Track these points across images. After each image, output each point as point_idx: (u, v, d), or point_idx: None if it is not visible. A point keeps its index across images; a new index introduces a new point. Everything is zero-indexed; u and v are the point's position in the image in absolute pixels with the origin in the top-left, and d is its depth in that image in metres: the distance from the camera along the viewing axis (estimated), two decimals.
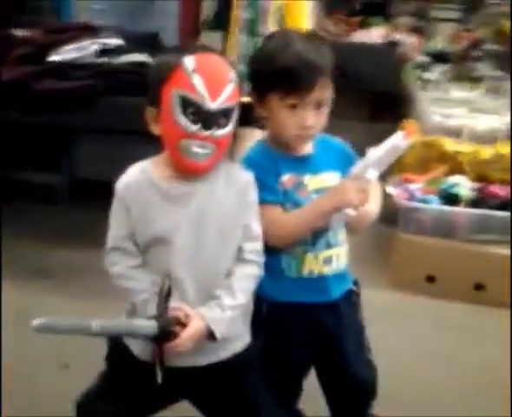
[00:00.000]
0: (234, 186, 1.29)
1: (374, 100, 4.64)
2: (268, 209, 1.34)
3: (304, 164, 1.40)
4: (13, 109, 2.65)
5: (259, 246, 1.31)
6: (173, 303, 1.23)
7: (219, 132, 1.22)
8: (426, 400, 2.05)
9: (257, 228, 1.31)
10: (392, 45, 5.10)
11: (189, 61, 1.20)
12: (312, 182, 1.39)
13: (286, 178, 1.37)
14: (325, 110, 1.35)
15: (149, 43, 3.07)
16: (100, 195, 3.44)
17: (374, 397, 1.56)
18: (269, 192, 1.34)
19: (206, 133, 1.20)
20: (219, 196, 1.27)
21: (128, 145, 3.15)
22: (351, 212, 1.31)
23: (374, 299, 2.56)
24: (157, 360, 1.20)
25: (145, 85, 2.67)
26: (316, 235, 1.38)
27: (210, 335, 1.24)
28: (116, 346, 1.34)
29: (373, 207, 1.41)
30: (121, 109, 2.70)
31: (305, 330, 1.41)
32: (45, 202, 3.45)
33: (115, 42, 2.83)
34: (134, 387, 1.31)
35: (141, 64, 2.76)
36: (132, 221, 1.28)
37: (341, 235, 1.43)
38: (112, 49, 2.81)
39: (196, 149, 1.21)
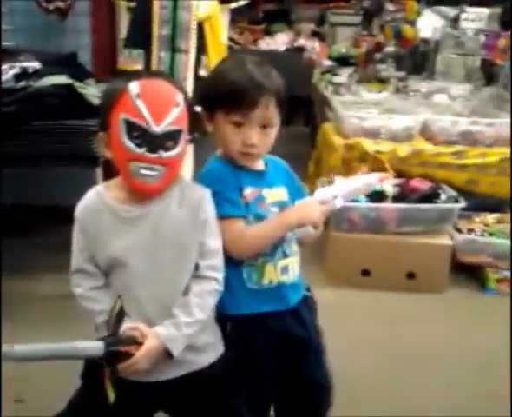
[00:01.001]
0: (188, 204, 1.32)
1: (287, 105, 4.78)
2: (231, 224, 1.37)
3: (261, 178, 1.45)
4: None
5: (215, 261, 1.34)
6: (130, 323, 1.25)
7: (167, 154, 1.25)
8: (371, 389, 2.16)
9: (213, 244, 1.34)
10: (299, 50, 5.29)
11: (134, 86, 1.23)
12: (270, 195, 1.45)
13: (249, 191, 1.41)
14: (271, 132, 1.39)
15: (67, 63, 2.99)
16: (22, 220, 3.38)
17: (330, 404, 1.60)
18: (231, 206, 1.38)
19: (153, 156, 1.23)
20: (173, 215, 1.30)
21: (55, 169, 3.07)
22: (311, 230, 1.40)
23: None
24: (107, 380, 1.21)
25: (69, 107, 2.61)
26: (274, 246, 1.43)
27: (167, 353, 1.26)
28: (93, 363, 1.31)
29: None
30: (46, 134, 2.63)
31: (271, 339, 1.45)
32: None
33: (33, 65, 2.73)
34: (112, 403, 1.29)
35: (65, 86, 2.69)
36: (90, 243, 1.31)
37: (294, 246, 1.49)
38: (31, 73, 2.71)
39: (145, 171, 1.24)
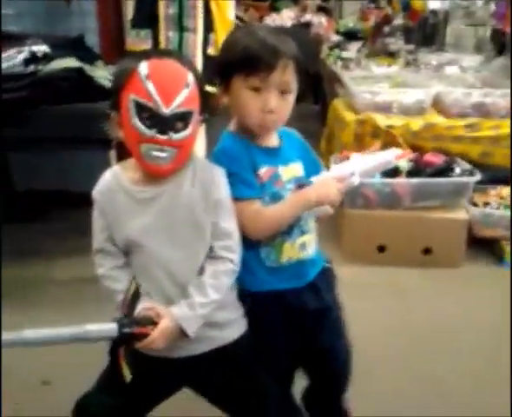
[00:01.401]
0: (200, 183, 1.31)
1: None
2: (247, 205, 1.36)
3: (276, 156, 1.43)
4: None
5: (230, 242, 1.33)
6: (146, 303, 1.27)
7: (178, 136, 1.23)
8: (388, 364, 2.16)
9: (227, 225, 1.33)
10: (306, 26, 5.22)
11: (143, 67, 1.22)
12: (285, 172, 1.43)
13: (264, 171, 1.39)
14: (290, 98, 1.37)
15: (75, 46, 2.97)
16: (36, 206, 3.41)
17: (348, 380, 1.62)
18: (247, 187, 1.36)
19: (164, 137, 1.22)
20: (186, 195, 1.29)
21: (68, 153, 3.07)
22: (328, 208, 1.38)
23: None
24: (122, 360, 1.23)
25: (80, 90, 2.59)
26: (291, 224, 1.42)
27: (183, 333, 1.27)
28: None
29: None
30: (57, 118, 2.61)
31: (289, 316, 1.45)
32: None
33: (42, 48, 2.70)
34: (137, 379, 1.31)
35: (74, 69, 2.66)
36: (108, 224, 1.32)
37: (311, 223, 1.48)
38: (40, 57, 2.68)
39: (156, 153, 1.23)
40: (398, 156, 1.42)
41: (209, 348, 1.34)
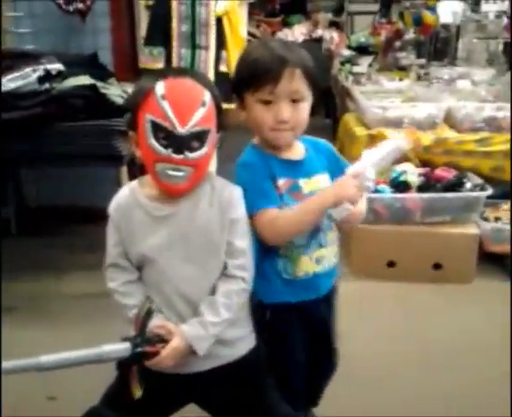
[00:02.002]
0: (218, 203, 1.32)
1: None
2: (264, 214, 1.36)
3: (297, 168, 1.44)
4: None
5: (243, 260, 1.34)
6: (158, 320, 1.28)
7: (193, 155, 1.25)
8: (398, 380, 2.15)
9: (241, 244, 1.34)
10: (317, 41, 5.26)
11: (160, 87, 1.24)
12: (307, 184, 1.44)
13: (282, 182, 1.40)
14: (302, 106, 1.37)
15: (88, 64, 3.02)
16: (48, 222, 3.45)
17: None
18: (266, 199, 1.37)
19: (179, 157, 1.24)
20: (203, 214, 1.31)
21: (80, 170, 3.11)
22: (350, 206, 1.35)
23: (340, 289, 2.67)
24: (133, 378, 1.24)
25: (93, 107, 2.63)
26: (309, 237, 1.43)
27: (193, 351, 1.28)
28: None
29: (363, 206, 1.48)
30: (71, 135, 2.65)
31: (303, 327, 1.47)
32: None
33: (57, 66, 2.75)
34: (144, 394, 1.31)
35: (88, 87, 2.71)
36: (123, 239, 1.33)
37: (330, 236, 1.48)
38: (54, 75, 2.73)
39: (171, 172, 1.24)
40: (408, 142, 1.39)
41: (217, 364, 1.35)
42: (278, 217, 1.36)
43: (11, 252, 3.18)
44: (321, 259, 1.45)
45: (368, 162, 1.35)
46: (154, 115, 1.23)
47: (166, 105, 1.22)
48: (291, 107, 1.35)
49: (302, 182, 1.43)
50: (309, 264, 1.43)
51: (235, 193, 1.34)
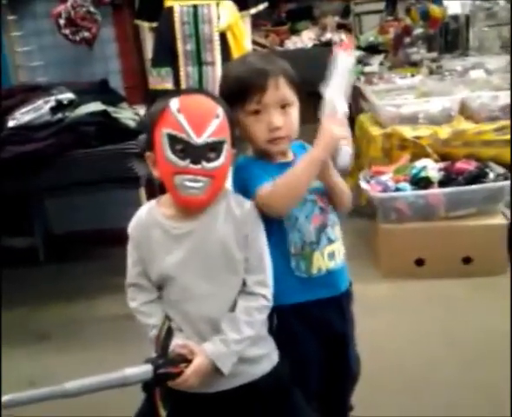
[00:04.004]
0: (233, 219, 1.32)
1: (319, 101, 4.75)
2: (264, 187, 1.34)
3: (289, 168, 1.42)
4: None
5: (262, 276, 1.33)
6: (179, 340, 1.28)
7: (210, 165, 1.26)
8: (431, 377, 2.12)
9: (258, 260, 1.33)
10: (327, 45, 5.22)
11: (174, 102, 1.27)
12: None
13: None
14: (292, 110, 1.38)
15: (100, 90, 3.04)
16: (74, 247, 3.50)
17: (355, 384, 1.63)
18: (260, 178, 1.36)
19: (197, 167, 1.25)
20: (219, 231, 1.30)
21: (98, 194, 3.13)
22: (347, 149, 1.33)
23: (368, 292, 2.65)
24: (158, 399, 1.23)
25: (106, 133, 2.65)
26: (318, 233, 1.42)
27: (217, 370, 1.27)
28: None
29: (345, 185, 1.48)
30: (86, 161, 2.66)
31: (314, 330, 1.45)
32: (23, 265, 3.43)
33: (68, 96, 2.77)
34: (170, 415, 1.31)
35: (100, 113, 2.73)
36: (142, 258, 1.34)
37: (337, 231, 1.48)
38: (66, 104, 2.75)
39: (189, 184, 1.25)
40: (345, 50, 1.39)
41: (239, 383, 1.33)
42: (275, 185, 1.34)
43: (40, 280, 3.29)
44: (333, 254, 1.45)
45: (331, 95, 1.34)
46: (171, 128, 1.25)
47: (181, 118, 1.25)
48: (281, 114, 1.37)
49: None
50: (321, 260, 1.43)
51: (250, 208, 1.34)
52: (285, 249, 1.41)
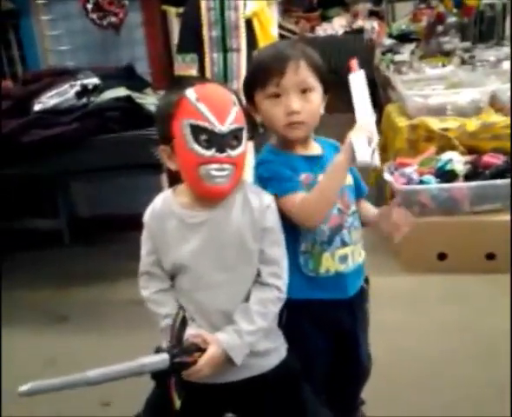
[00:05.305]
0: (250, 210, 1.31)
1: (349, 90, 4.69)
2: (292, 198, 1.34)
3: (316, 163, 1.42)
4: (5, 163, 2.63)
5: (277, 269, 1.32)
6: (193, 330, 1.27)
7: (235, 152, 1.26)
8: (453, 373, 2.10)
9: (274, 253, 1.32)
10: (358, 32, 5.16)
11: (191, 92, 1.25)
12: None
13: (303, 176, 1.39)
14: (312, 96, 1.36)
15: (125, 75, 3.06)
16: (98, 230, 3.57)
17: (366, 380, 1.63)
18: (289, 182, 1.35)
19: (223, 155, 1.24)
20: (235, 221, 1.29)
21: (121, 179, 3.17)
22: (375, 146, 1.28)
23: (390, 285, 2.64)
24: (172, 388, 1.22)
25: (130, 118, 2.67)
26: (331, 233, 1.40)
27: (229, 360, 1.27)
28: None
29: None
30: (110, 147, 2.69)
31: (323, 327, 1.44)
32: (48, 247, 3.52)
33: (93, 81, 2.80)
34: (183, 405, 1.30)
35: (124, 98, 2.75)
36: (157, 247, 1.33)
37: (355, 234, 1.45)
38: (91, 89, 2.78)
39: (216, 173, 1.24)
40: (354, 70, 1.34)
41: (249, 375, 1.33)
42: (307, 198, 1.33)
43: (65, 262, 3.37)
44: (345, 257, 1.43)
45: (362, 110, 1.30)
46: (193, 119, 1.23)
47: (202, 106, 1.23)
48: (300, 98, 1.35)
49: (320, 177, 1.39)
50: (331, 262, 1.41)
51: (267, 200, 1.32)
52: (296, 246, 1.40)
